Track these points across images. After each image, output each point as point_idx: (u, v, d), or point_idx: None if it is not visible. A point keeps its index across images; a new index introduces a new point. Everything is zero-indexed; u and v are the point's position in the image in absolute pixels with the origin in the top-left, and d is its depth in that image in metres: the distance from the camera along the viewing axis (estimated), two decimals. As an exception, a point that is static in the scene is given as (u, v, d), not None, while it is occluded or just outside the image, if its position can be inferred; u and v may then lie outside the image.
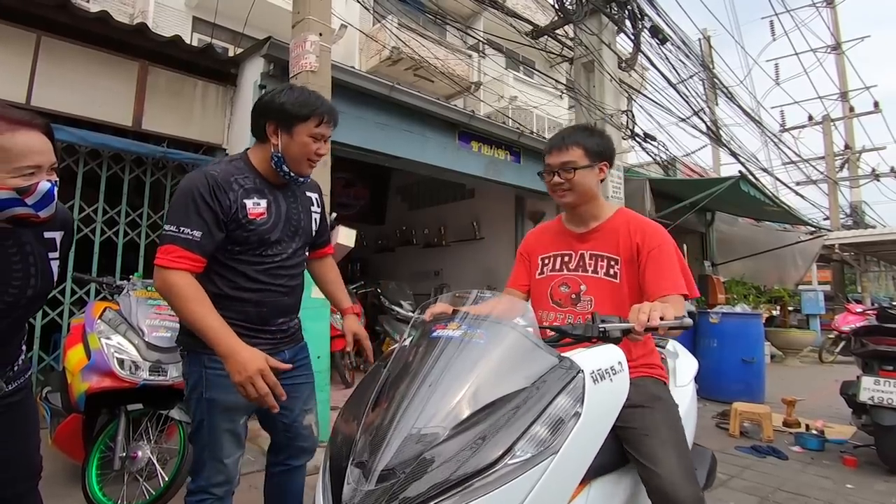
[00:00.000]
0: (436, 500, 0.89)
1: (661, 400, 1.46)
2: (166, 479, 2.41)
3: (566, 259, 1.64)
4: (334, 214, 3.98)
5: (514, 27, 7.09)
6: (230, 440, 1.60)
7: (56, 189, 1.17)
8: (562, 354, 1.12)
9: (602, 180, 1.66)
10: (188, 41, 4.70)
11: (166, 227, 1.45)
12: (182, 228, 1.42)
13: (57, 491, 2.60)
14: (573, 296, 1.57)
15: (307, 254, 1.82)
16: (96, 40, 4.10)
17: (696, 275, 8.31)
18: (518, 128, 6.68)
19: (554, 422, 0.98)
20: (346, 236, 4.27)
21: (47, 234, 1.28)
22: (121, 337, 2.50)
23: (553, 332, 1.31)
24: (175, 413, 2.52)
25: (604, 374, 1.08)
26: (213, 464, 1.58)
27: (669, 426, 1.39)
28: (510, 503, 0.89)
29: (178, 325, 2.63)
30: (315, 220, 1.76)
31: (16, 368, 1.32)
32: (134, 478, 2.47)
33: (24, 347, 1.37)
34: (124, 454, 2.41)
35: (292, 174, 1.59)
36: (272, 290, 1.60)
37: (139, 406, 2.54)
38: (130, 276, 2.98)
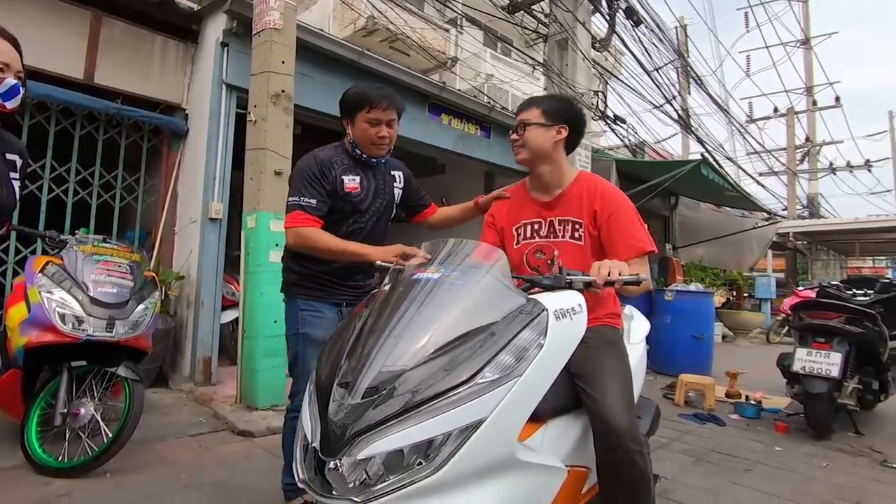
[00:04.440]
0: (414, 411, 1.01)
1: (615, 344, 1.63)
2: (110, 436, 2.38)
3: (537, 227, 1.74)
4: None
5: (491, 1, 7.00)
6: None
7: (22, 90, 1.32)
8: (529, 296, 1.24)
9: (570, 146, 1.74)
10: (145, -8, 4.45)
11: (290, 199, 1.85)
12: (302, 198, 1.82)
13: (-5, 448, 2.55)
14: (548, 262, 1.68)
15: (412, 220, 2.25)
16: (43, -16, 3.86)
17: (657, 258, 8.58)
18: (489, 103, 6.65)
19: (519, 351, 1.10)
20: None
21: (9, 156, 1.40)
22: (64, 292, 2.42)
23: (525, 283, 1.42)
24: (122, 370, 2.48)
25: (565, 312, 1.21)
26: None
27: (617, 364, 1.55)
28: (478, 415, 1.02)
29: (125, 282, 2.61)
30: (397, 194, 2.09)
31: None
32: (77, 435, 2.42)
33: None
34: (66, 410, 2.36)
35: (365, 156, 1.93)
36: None
37: (83, 363, 2.48)
38: (76, 231, 2.88)
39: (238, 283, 3.72)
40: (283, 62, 3.67)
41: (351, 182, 1.89)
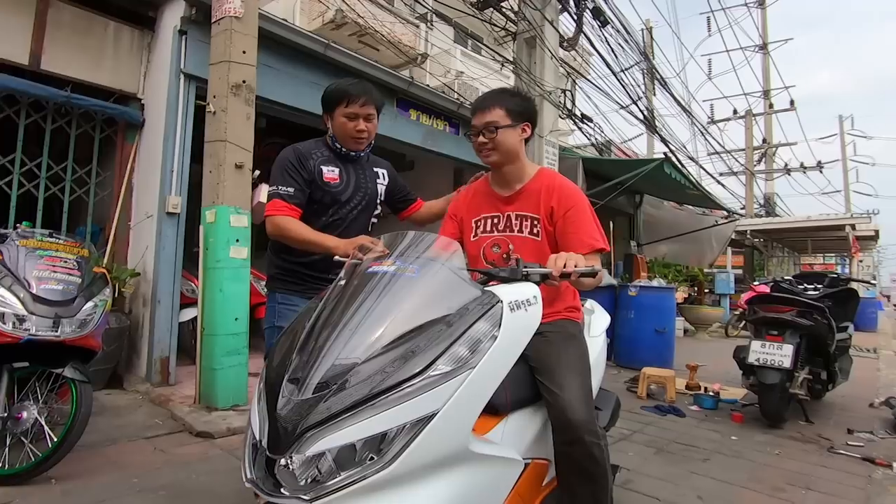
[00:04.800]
0: (366, 405, 0.99)
1: (574, 338, 1.64)
2: (56, 440, 2.25)
3: (495, 221, 1.74)
4: (257, 172, 3.80)
5: (461, -3, 6.97)
6: None
7: None
8: (484, 288, 1.23)
9: (527, 140, 1.74)
10: (97, -25, 4.24)
11: (270, 188, 1.90)
12: (280, 187, 1.86)
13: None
14: (504, 255, 1.69)
15: (400, 216, 2.29)
16: (-18, -38, 3.63)
17: (622, 254, 8.76)
18: (458, 98, 6.64)
19: (473, 342, 1.09)
20: (267, 194, 4.10)
21: None
22: (3, 289, 2.27)
23: (482, 276, 1.41)
24: (68, 371, 2.35)
25: (520, 304, 1.20)
26: None
27: (577, 359, 1.56)
28: (431, 408, 1.01)
29: (72, 279, 2.48)
30: (381, 190, 2.11)
31: None
32: (19, 440, 2.29)
33: None
34: (6, 414, 2.23)
35: (344, 150, 1.97)
36: None
37: (26, 364, 2.34)
38: (18, 225, 2.71)
39: (198, 280, 3.59)
40: (244, 52, 3.56)
41: (330, 172, 1.93)
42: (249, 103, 3.61)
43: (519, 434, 1.44)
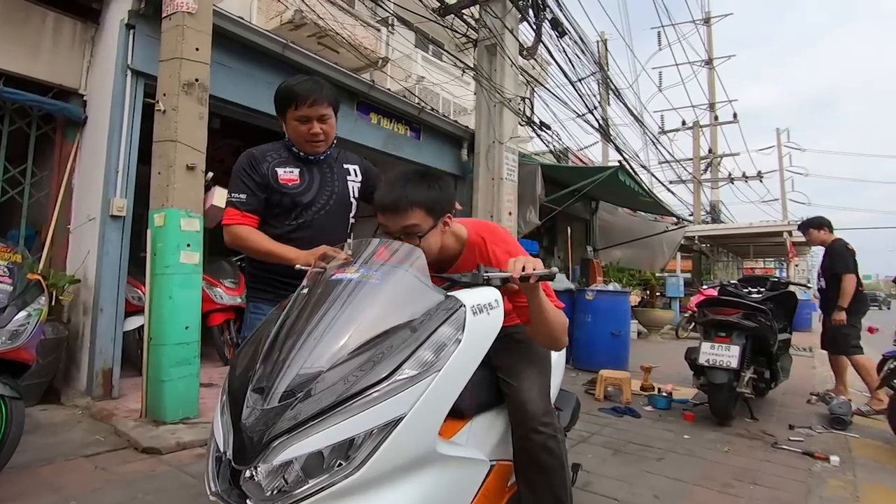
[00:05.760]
0: (333, 412, 0.98)
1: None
2: (-18, 462, 2.07)
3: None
4: (210, 174, 3.65)
5: (422, 2, 6.99)
6: None
7: None
8: (448, 293, 1.24)
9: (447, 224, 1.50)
10: (34, -39, 3.98)
11: (227, 196, 1.84)
12: (234, 194, 1.82)
13: None
14: None
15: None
16: None
17: (579, 258, 8.97)
18: (420, 104, 6.63)
19: (437, 346, 1.10)
20: (221, 197, 3.94)
21: None
22: (-78, 298, 2.08)
23: (445, 282, 1.41)
24: (-4, 387, 2.17)
25: (482, 308, 1.22)
26: None
27: (536, 356, 1.61)
28: (398, 412, 1.01)
29: (3, 286, 2.30)
30: (352, 188, 2.00)
31: None
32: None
33: None
34: (-76, 435, 2.03)
35: (302, 154, 1.89)
36: (306, 245, 1.76)
37: (-53, 379, 2.15)
38: (-60, 229, 2.49)
39: (145, 287, 3.41)
40: (196, 49, 3.42)
41: (287, 174, 1.85)
42: (202, 102, 3.47)
43: (484, 436, 1.47)
